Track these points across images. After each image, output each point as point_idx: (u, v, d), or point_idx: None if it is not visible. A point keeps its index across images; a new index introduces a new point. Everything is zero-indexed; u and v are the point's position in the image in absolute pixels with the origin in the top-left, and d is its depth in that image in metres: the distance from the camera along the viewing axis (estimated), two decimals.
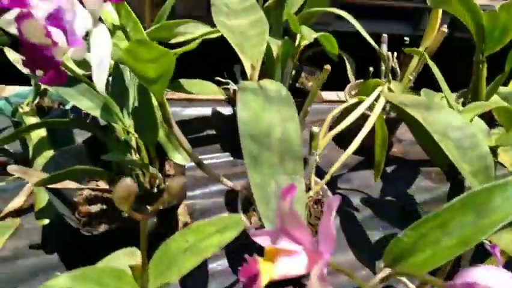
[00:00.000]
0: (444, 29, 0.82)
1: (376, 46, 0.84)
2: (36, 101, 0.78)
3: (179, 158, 0.63)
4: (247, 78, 0.39)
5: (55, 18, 0.28)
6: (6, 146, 0.85)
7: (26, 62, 0.32)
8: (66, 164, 0.65)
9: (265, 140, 0.33)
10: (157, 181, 0.66)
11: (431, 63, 0.63)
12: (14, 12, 0.31)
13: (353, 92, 0.98)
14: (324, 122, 0.61)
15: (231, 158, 0.90)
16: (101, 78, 0.32)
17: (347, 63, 0.94)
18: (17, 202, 0.75)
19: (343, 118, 0.59)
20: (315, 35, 0.65)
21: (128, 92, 0.63)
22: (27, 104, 0.77)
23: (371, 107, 0.64)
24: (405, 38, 0.89)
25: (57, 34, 0.30)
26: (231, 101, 0.97)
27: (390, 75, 0.84)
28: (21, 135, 0.71)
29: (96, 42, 0.32)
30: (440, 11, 0.85)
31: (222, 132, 0.97)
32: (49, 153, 0.67)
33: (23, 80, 1.06)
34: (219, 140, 0.94)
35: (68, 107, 0.77)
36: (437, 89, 0.66)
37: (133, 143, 0.62)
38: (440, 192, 0.89)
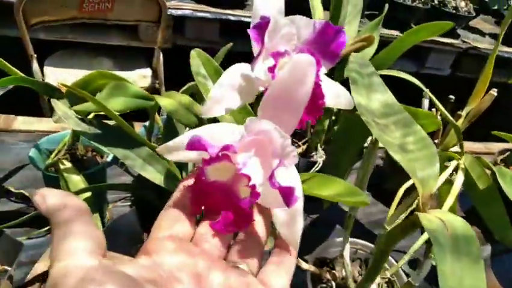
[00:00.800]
0: (494, 92, 0.82)
1: (426, 104, 0.83)
2: (69, 149, 0.69)
3: None
4: None
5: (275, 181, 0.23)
6: (23, 191, 0.76)
7: (196, 202, 0.26)
8: (118, 237, 0.58)
9: None
10: None
11: None
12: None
13: None
14: None
15: None
16: (296, 235, 0.26)
17: None
18: (43, 264, 0.66)
19: None
20: None
21: None
22: (58, 152, 0.69)
23: None
24: (451, 97, 0.89)
25: (254, 177, 0.24)
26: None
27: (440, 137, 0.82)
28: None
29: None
30: (491, 72, 0.85)
31: None
32: (94, 219, 0.60)
33: (32, 111, 0.97)
34: None
35: (109, 159, 0.70)
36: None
37: None
38: None
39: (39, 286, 0.64)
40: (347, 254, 0.58)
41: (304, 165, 0.78)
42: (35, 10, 1.07)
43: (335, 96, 0.32)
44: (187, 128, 0.61)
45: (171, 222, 0.26)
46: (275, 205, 0.25)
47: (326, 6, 0.81)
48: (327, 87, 0.30)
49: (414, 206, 0.43)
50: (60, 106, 0.58)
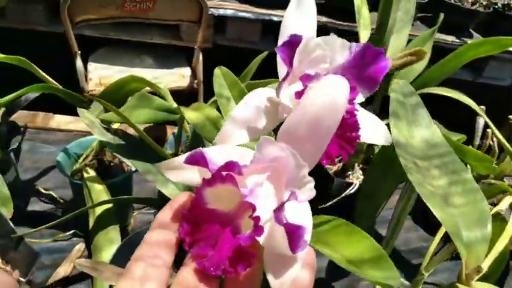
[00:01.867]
0: None
1: (480, 123, 0.74)
2: (96, 155, 0.68)
3: None
4: None
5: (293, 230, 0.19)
6: (52, 192, 0.76)
7: (187, 231, 0.22)
8: None
9: None
10: None
11: None
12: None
13: None
14: None
15: None
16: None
17: None
18: (63, 269, 0.66)
19: None
20: None
21: None
22: (86, 157, 0.68)
23: None
24: (511, 117, 0.79)
25: (260, 208, 0.20)
26: None
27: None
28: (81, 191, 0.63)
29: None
30: None
31: None
32: (113, 230, 0.58)
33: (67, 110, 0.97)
34: None
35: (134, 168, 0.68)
36: None
37: None
38: None
39: None
40: None
41: (338, 185, 0.72)
42: (79, 9, 1.08)
43: (371, 129, 0.27)
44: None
45: (144, 269, 0.22)
46: (279, 248, 0.21)
47: (374, 6, 0.74)
48: (363, 118, 0.25)
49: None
50: (85, 115, 0.56)
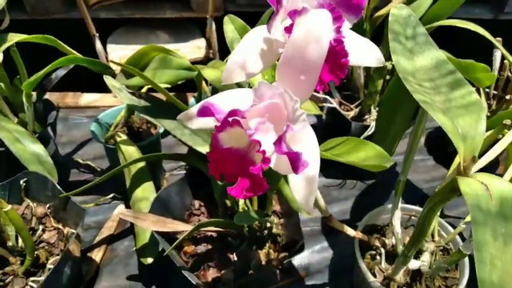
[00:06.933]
0: None
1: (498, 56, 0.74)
2: (125, 122, 0.73)
3: None
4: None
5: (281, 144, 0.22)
6: (89, 162, 0.82)
7: (214, 168, 0.26)
8: (171, 203, 0.61)
9: None
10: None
11: None
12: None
13: None
14: None
15: None
16: (308, 201, 0.26)
17: None
18: (107, 229, 0.72)
19: None
20: None
21: None
22: (116, 125, 0.73)
23: None
24: None
25: (265, 143, 0.24)
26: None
27: None
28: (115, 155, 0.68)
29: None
30: None
31: None
32: (149, 186, 0.63)
33: (99, 87, 1.02)
34: None
35: (161, 130, 0.73)
36: None
37: None
38: None
39: (106, 247, 0.70)
40: (396, 220, 0.55)
41: (357, 129, 0.75)
42: None
43: (361, 53, 0.29)
44: None
45: None
46: (288, 171, 0.25)
47: None
48: (353, 43, 0.28)
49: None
50: (112, 82, 0.61)
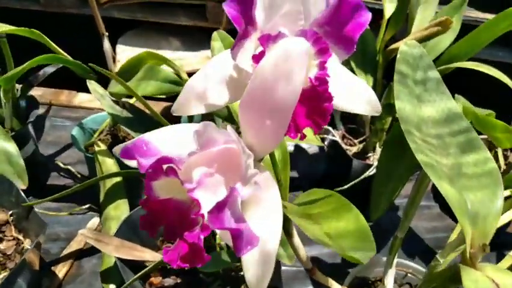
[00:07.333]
0: None
1: None
2: (110, 129, 0.69)
3: None
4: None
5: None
6: (70, 167, 0.77)
7: (146, 221, 0.20)
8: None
9: None
10: None
11: None
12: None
13: None
14: None
15: None
16: (262, 283, 0.20)
17: None
18: (77, 243, 0.67)
19: None
20: None
21: None
22: (101, 132, 0.68)
23: None
24: None
25: (206, 204, 0.18)
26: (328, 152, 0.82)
27: None
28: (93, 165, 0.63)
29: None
30: None
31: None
32: (123, 204, 0.58)
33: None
34: None
35: None
36: None
37: None
38: None
39: (72, 263, 0.65)
40: (390, 278, 0.49)
41: (359, 167, 0.69)
42: None
43: (352, 96, 0.24)
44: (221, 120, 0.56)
45: None
46: (231, 245, 0.19)
47: None
48: (341, 83, 0.22)
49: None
50: (95, 87, 0.56)
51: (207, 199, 0.18)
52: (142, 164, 0.19)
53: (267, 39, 0.20)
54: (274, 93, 0.18)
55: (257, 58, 0.20)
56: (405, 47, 0.31)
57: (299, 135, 0.21)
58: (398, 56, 0.31)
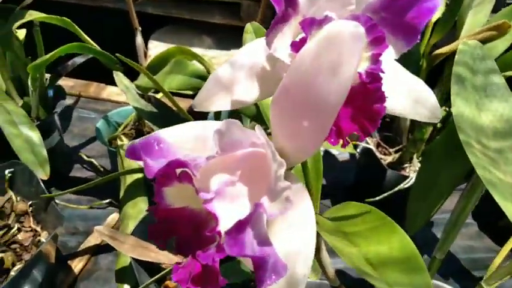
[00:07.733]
0: None
1: None
2: (135, 124, 0.67)
3: None
4: None
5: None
6: (93, 160, 0.76)
7: (155, 231, 0.17)
8: None
9: None
10: None
11: None
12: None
13: None
14: None
15: None
16: None
17: None
18: (95, 238, 0.65)
19: None
20: None
21: None
22: (125, 126, 0.67)
23: None
24: None
25: (225, 220, 0.15)
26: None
27: None
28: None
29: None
30: None
31: None
32: (141, 202, 0.56)
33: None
34: None
35: None
36: None
37: None
38: None
39: (89, 258, 0.63)
40: None
41: (393, 178, 0.64)
42: None
43: (408, 99, 0.20)
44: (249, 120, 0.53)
45: None
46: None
47: None
48: (397, 82, 0.18)
49: None
50: (121, 79, 0.54)
51: (225, 214, 0.15)
52: (150, 167, 0.16)
53: (311, 24, 0.16)
54: (317, 88, 0.14)
55: (297, 46, 0.16)
56: (464, 45, 0.27)
57: (341, 141, 0.17)
58: (456, 56, 0.27)
